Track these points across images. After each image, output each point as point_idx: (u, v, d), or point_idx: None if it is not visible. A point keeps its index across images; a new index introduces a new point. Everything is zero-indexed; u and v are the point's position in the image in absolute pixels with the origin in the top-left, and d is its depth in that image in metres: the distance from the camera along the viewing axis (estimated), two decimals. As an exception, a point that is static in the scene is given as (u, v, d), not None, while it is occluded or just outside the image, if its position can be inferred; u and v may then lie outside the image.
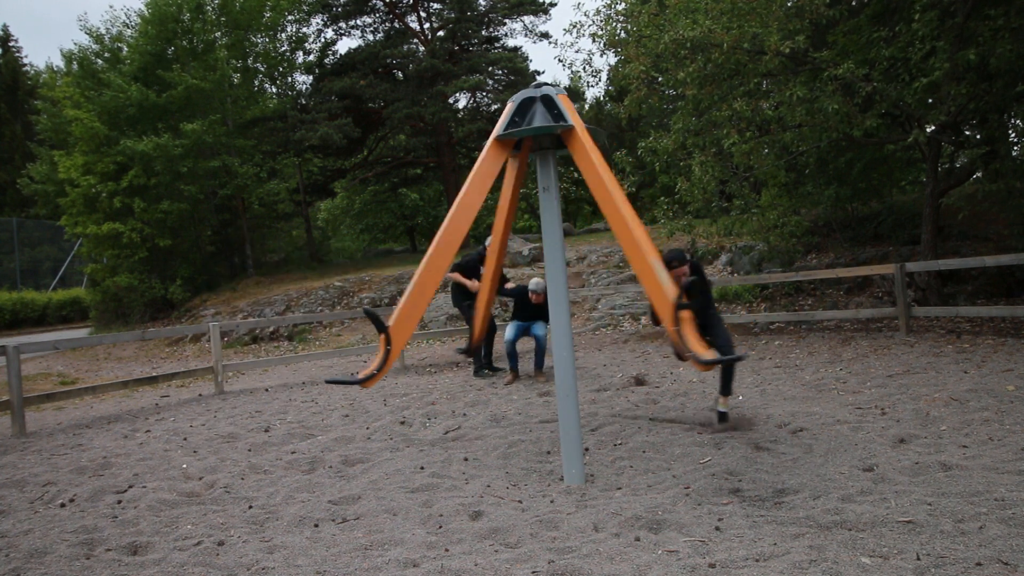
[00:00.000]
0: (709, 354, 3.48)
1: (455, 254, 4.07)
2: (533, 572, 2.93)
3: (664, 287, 3.66)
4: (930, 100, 8.74)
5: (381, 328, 3.73)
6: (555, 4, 23.60)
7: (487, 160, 4.15)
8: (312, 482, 4.56)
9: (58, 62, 42.07)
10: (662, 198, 11.06)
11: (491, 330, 8.55)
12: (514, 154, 4.66)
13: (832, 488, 3.63)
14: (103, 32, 21.19)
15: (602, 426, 5.46)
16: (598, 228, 21.82)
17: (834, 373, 6.82)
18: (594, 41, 10.82)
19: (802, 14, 8.52)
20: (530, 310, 8.13)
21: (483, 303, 5.36)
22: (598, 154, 3.96)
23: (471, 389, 7.68)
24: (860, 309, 9.95)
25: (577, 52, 44.30)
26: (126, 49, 20.95)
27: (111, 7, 36.86)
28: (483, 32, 23.84)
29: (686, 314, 3.66)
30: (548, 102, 4.12)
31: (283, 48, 23.13)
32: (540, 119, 4.07)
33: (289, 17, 22.49)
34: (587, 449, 4.85)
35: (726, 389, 5.12)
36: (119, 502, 4.32)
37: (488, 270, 5.19)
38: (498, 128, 4.17)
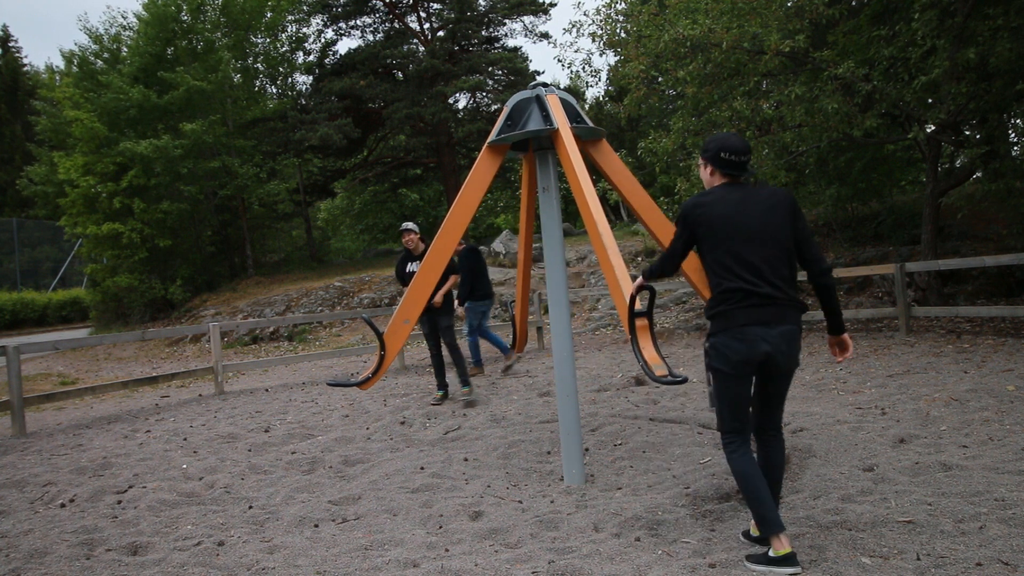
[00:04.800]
0: (660, 370, 3.09)
1: (446, 264, 4.11)
2: (533, 572, 2.93)
3: (624, 293, 3.44)
4: (930, 100, 8.74)
5: (377, 334, 3.87)
6: (555, 4, 23.63)
7: (480, 168, 4.16)
8: (312, 482, 4.56)
9: (58, 62, 42.07)
10: (662, 198, 11.05)
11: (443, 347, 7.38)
12: (525, 155, 4.66)
13: (832, 488, 3.63)
14: (102, 33, 21.21)
15: (602, 426, 5.46)
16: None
17: (834, 373, 6.82)
18: (594, 41, 10.81)
19: (802, 14, 8.52)
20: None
21: (520, 305, 5.32)
22: (579, 157, 3.94)
23: (472, 388, 7.68)
24: (860, 309, 9.95)
25: (577, 52, 44.34)
26: (125, 50, 20.97)
27: (108, 7, 36.85)
28: (483, 32, 23.86)
29: (643, 322, 3.33)
30: (542, 104, 4.12)
31: (283, 48, 23.17)
32: (535, 121, 4.07)
33: (289, 17, 22.51)
34: (587, 449, 4.85)
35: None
36: (119, 502, 4.32)
37: (520, 272, 5.19)
38: (492, 134, 4.19)
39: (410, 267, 7.33)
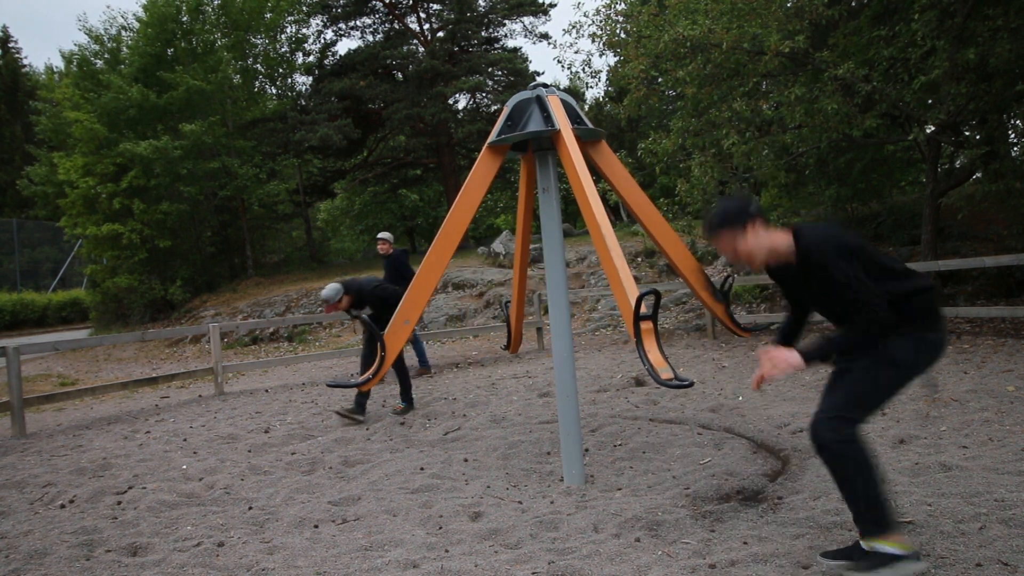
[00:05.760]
0: (666, 374, 3.09)
1: (446, 266, 4.11)
2: (533, 573, 2.93)
3: (629, 295, 3.42)
4: (930, 100, 8.75)
5: (377, 336, 3.88)
6: (555, 5, 23.66)
7: (480, 168, 4.17)
8: (312, 483, 4.55)
9: (58, 63, 42.08)
10: (661, 199, 11.07)
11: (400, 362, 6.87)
12: (524, 155, 4.66)
13: (832, 489, 3.62)
14: (102, 33, 21.22)
15: (602, 427, 5.46)
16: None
17: (834, 373, 6.81)
18: (593, 41, 10.82)
19: (802, 15, 8.52)
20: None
21: (516, 305, 5.31)
22: (580, 158, 3.93)
23: (472, 389, 7.69)
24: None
25: (576, 53, 44.37)
26: (125, 50, 20.97)
27: (108, 7, 36.80)
28: (483, 33, 23.88)
29: (647, 325, 3.31)
30: (542, 104, 4.13)
31: (283, 49, 23.16)
32: (535, 122, 4.07)
33: (289, 18, 22.51)
34: (587, 450, 4.85)
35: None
36: (119, 503, 4.32)
37: (516, 273, 5.19)
38: (492, 135, 4.19)
39: (353, 312, 6.45)
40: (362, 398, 6.52)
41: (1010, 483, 3.44)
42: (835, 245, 2.61)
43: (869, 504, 2.59)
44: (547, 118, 4.05)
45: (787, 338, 3.01)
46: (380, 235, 8.92)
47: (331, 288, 6.31)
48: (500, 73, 23.24)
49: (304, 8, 22.65)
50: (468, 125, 22.21)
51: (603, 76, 27.90)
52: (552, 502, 3.85)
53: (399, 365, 6.77)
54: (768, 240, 2.71)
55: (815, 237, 2.64)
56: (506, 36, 25.08)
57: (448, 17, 23.28)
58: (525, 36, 32.58)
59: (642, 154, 10.86)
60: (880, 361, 2.63)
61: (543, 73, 38.81)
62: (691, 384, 3.07)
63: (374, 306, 6.52)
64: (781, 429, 4.96)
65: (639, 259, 15.42)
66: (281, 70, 23.42)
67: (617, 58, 12.35)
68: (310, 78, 23.91)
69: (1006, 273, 9.77)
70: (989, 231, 10.90)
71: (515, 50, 24.11)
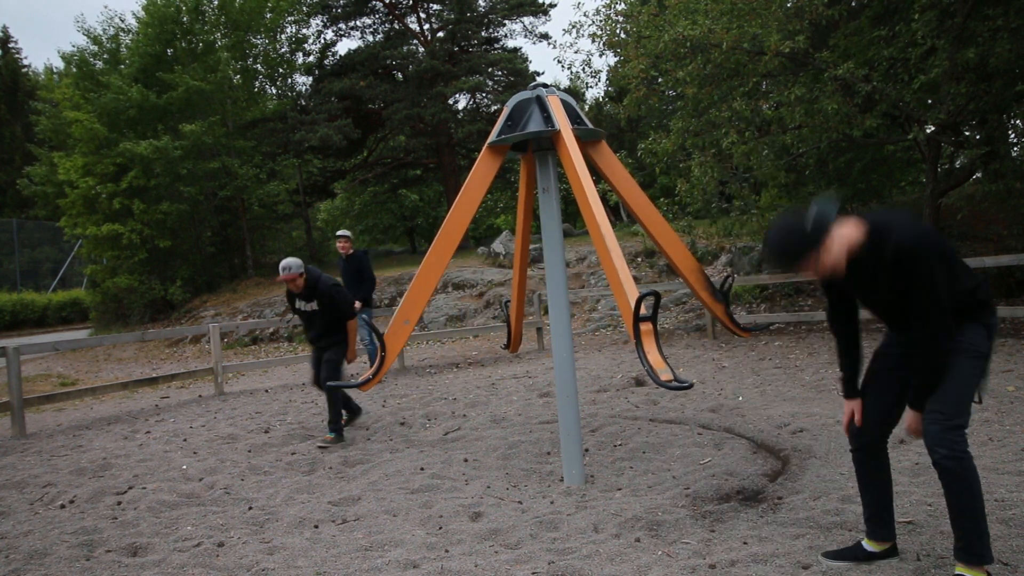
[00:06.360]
0: (665, 375, 3.09)
1: (446, 266, 4.11)
2: (533, 573, 2.93)
3: (629, 296, 3.41)
4: (929, 100, 8.75)
5: (377, 336, 3.90)
6: (555, 5, 23.67)
7: (480, 168, 4.17)
8: (312, 483, 4.56)
9: (58, 63, 42.05)
10: (661, 199, 11.07)
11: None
12: (524, 156, 4.66)
13: (832, 488, 3.63)
14: (100, 34, 21.22)
15: (602, 427, 5.46)
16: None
17: (834, 373, 6.82)
18: (593, 41, 10.83)
19: (802, 15, 8.53)
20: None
21: (516, 305, 5.28)
22: (580, 159, 3.93)
23: (472, 389, 7.69)
24: (861, 310, 9.94)
25: (576, 53, 44.37)
26: (125, 50, 20.96)
27: (106, 7, 36.77)
28: (483, 33, 23.89)
29: (647, 326, 3.30)
30: (542, 104, 4.13)
31: (283, 49, 23.15)
32: (535, 122, 4.08)
33: (289, 18, 22.50)
34: (587, 450, 4.85)
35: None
36: (119, 503, 4.32)
37: (516, 273, 5.18)
38: (492, 135, 4.19)
39: (298, 304, 6.11)
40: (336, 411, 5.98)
41: (1010, 483, 3.44)
42: (933, 247, 2.44)
43: (977, 530, 2.48)
44: (547, 118, 4.05)
45: (856, 371, 2.87)
46: (340, 232, 8.62)
47: (294, 260, 5.99)
48: (500, 73, 23.24)
49: (304, 8, 22.64)
50: (468, 125, 22.20)
51: (603, 76, 27.89)
52: (552, 502, 3.85)
53: (333, 394, 5.86)
54: (842, 242, 2.49)
55: (909, 235, 2.43)
56: (506, 36, 25.10)
57: (448, 17, 23.29)
58: (525, 36, 32.58)
59: (642, 154, 10.86)
60: (965, 357, 2.55)
61: (543, 73, 38.81)
62: (690, 385, 3.09)
63: (321, 303, 6.02)
64: (781, 429, 4.96)
65: (639, 259, 15.42)
66: (281, 70, 23.40)
67: (617, 58, 12.36)
68: (310, 78, 23.91)
69: (1006, 273, 9.77)
70: (989, 231, 10.90)
71: (515, 50, 24.11)
